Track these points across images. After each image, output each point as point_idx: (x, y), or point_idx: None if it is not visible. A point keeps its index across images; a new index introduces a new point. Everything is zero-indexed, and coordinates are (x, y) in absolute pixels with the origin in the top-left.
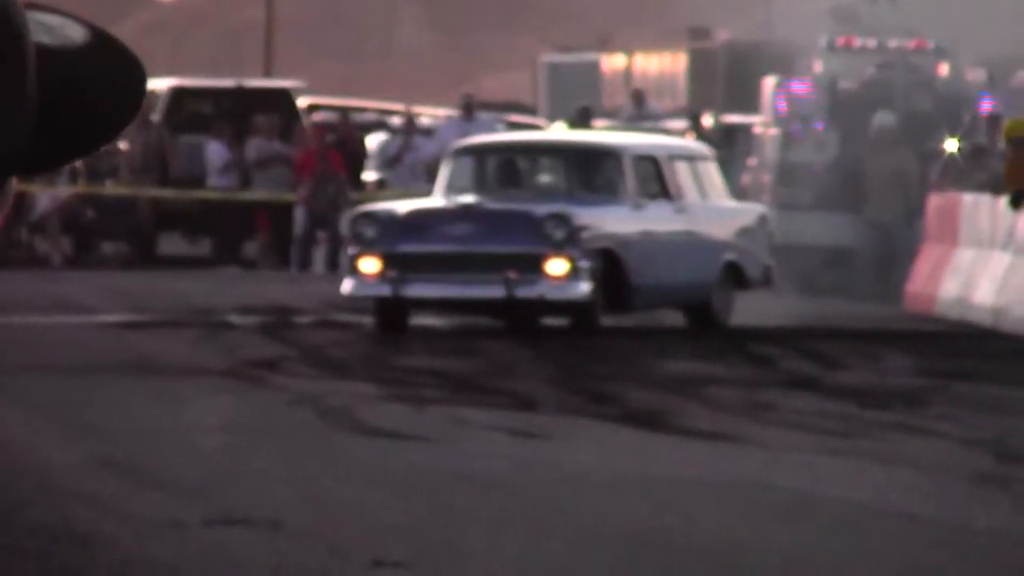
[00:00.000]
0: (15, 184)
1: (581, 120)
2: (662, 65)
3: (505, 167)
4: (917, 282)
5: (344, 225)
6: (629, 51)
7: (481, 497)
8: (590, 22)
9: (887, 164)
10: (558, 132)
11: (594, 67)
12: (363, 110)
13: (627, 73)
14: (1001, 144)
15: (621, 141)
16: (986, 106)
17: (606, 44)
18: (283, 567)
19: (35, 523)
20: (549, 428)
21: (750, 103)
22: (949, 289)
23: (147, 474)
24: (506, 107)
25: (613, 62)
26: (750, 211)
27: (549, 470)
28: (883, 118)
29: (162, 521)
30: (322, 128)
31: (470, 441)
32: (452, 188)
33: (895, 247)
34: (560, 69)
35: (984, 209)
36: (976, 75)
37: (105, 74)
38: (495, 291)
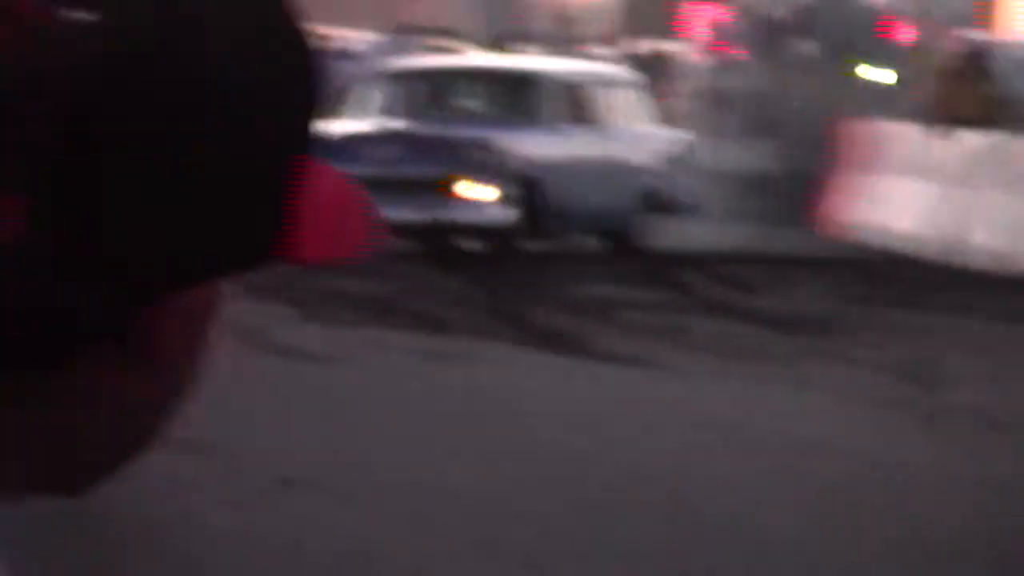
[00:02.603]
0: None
1: (505, 44)
2: None
3: (428, 92)
4: (835, 209)
5: None
6: None
7: (393, 417)
8: None
9: (807, 92)
10: (481, 57)
11: None
12: None
13: None
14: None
15: (543, 67)
16: (909, 35)
17: None
18: (194, 484)
19: None
20: (466, 351)
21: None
22: (868, 216)
23: None
24: (433, 31)
25: None
26: (675, 137)
27: (464, 392)
28: (803, 46)
29: None
30: None
31: (385, 362)
32: (373, 112)
33: (808, 174)
34: None
35: (906, 137)
36: (902, 4)
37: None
38: (416, 215)
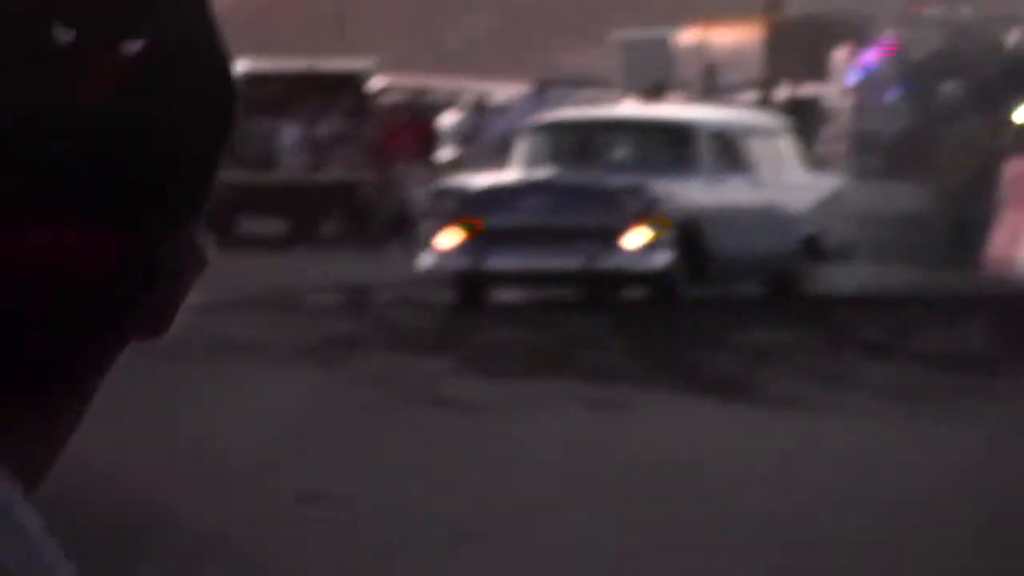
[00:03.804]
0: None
1: (655, 94)
2: (736, 37)
3: (581, 142)
4: (996, 248)
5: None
6: (703, 25)
7: (561, 470)
8: None
9: (956, 133)
10: (633, 107)
11: (667, 42)
12: (434, 90)
13: (701, 47)
14: None
15: (695, 115)
16: None
17: (680, 18)
18: (360, 544)
19: (119, 505)
20: (633, 400)
21: (824, 74)
22: None
23: (229, 454)
24: (580, 83)
25: (687, 36)
26: (827, 182)
27: (628, 441)
28: (951, 87)
29: (244, 500)
30: (394, 108)
31: (553, 415)
32: (529, 163)
33: (967, 215)
34: (634, 45)
35: None
36: None
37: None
38: (574, 262)
